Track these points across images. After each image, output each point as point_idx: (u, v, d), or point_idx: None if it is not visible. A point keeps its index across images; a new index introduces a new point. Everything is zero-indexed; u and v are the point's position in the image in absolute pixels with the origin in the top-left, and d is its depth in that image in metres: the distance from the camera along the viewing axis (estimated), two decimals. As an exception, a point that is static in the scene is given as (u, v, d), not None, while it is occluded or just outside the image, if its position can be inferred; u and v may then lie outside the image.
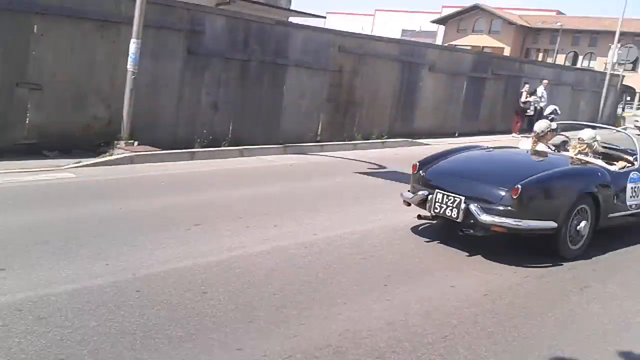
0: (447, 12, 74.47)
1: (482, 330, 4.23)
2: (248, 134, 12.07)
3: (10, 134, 9.10)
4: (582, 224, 5.97)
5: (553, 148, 7.44)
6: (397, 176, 9.77)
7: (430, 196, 6.03)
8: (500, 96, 19.44)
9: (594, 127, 7.93)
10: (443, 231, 6.61)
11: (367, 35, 16.59)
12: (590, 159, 6.80)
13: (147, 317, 3.99)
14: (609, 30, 49.55)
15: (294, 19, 27.02)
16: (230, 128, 11.86)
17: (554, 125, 7.50)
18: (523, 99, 18.96)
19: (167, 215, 6.47)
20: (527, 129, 18.94)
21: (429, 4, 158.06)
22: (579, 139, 7.03)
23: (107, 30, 9.95)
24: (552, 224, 5.65)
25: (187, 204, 7.09)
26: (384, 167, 10.78)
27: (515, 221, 5.52)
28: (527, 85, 19.37)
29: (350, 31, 15.82)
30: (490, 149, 7.71)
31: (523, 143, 7.71)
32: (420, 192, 6.22)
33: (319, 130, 13.65)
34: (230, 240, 5.76)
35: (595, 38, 63.57)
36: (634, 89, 57.78)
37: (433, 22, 73.89)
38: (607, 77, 25.21)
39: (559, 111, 21.08)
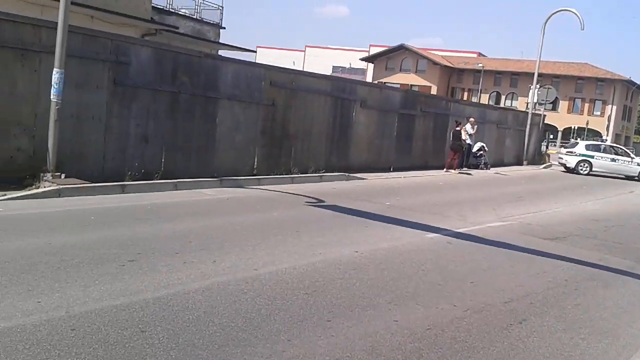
0: (374, 50, 77.09)
1: (427, 365, 4.25)
2: (181, 167, 11.84)
3: None
4: None
5: None
6: (336, 210, 9.83)
7: None
8: (430, 132, 20.12)
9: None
10: (384, 266, 6.67)
11: (298, 71, 16.86)
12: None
13: (83, 357, 3.78)
14: (528, 72, 52.90)
15: (223, 52, 27.11)
16: (163, 161, 11.59)
17: None
18: (464, 136, 19.76)
19: (100, 251, 6.18)
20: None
21: (357, 42, 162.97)
22: None
23: (27, 60, 9.59)
24: None
25: (120, 239, 6.80)
26: (323, 201, 10.82)
27: None
28: (468, 124, 20.27)
29: (281, 66, 15.95)
30: None
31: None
32: None
33: (255, 163, 13.58)
34: (167, 277, 5.55)
35: (515, 79, 67.56)
36: (556, 127, 61.63)
37: (362, 59, 76.23)
38: (529, 116, 26.69)
39: (486, 148, 22.13)
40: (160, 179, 10.89)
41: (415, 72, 70.34)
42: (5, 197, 8.21)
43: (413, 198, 12.77)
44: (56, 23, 9.49)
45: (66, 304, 4.61)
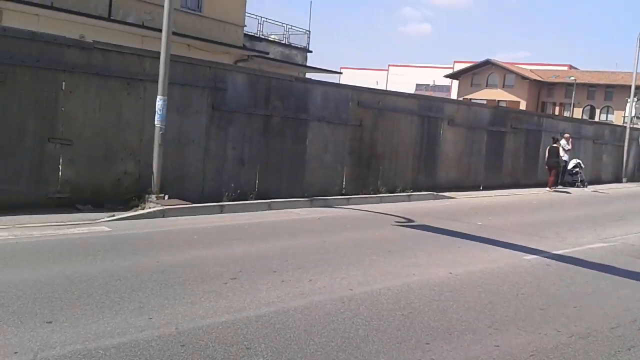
0: (459, 66, 75.80)
1: (533, 391, 4.12)
2: (273, 187, 12.22)
3: (44, 187, 9.29)
4: None
5: None
6: (427, 230, 9.75)
7: None
8: (521, 150, 19.51)
9: None
10: (481, 288, 6.54)
11: (385, 91, 16.97)
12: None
13: (195, 373, 3.96)
14: (624, 85, 50.05)
15: (310, 75, 27.77)
16: (257, 181, 12.01)
17: None
18: (562, 153, 19.11)
19: (203, 269, 6.49)
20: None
21: (441, 59, 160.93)
22: None
23: (133, 88, 10.26)
24: None
25: (222, 257, 7.11)
26: (413, 221, 10.77)
27: None
28: (562, 140, 19.58)
29: (368, 87, 16.14)
30: None
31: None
32: None
33: (344, 183, 13.75)
34: (267, 295, 5.74)
35: (610, 92, 64.14)
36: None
37: (447, 76, 75.14)
38: (628, 130, 25.27)
39: (582, 164, 21.12)
40: (255, 199, 11.29)
41: (503, 87, 68.47)
42: (114, 217, 8.81)
43: (506, 218, 12.41)
44: (158, 53, 10.16)
45: (175, 321, 4.86)
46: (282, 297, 5.72)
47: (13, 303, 4.98)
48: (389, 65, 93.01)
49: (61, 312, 4.84)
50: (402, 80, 78.76)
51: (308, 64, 29.59)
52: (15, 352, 4.03)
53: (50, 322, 4.59)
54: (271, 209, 11.08)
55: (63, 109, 9.44)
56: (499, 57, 73.95)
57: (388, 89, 46.45)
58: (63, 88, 9.41)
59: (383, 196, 13.76)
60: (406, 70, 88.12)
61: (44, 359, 3.97)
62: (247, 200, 11.17)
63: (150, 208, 9.38)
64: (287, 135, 12.68)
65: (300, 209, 11.38)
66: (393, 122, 15.03)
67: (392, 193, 14.20)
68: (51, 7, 16.41)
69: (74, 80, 9.52)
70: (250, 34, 25.63)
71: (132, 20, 18.72)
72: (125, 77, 10.13)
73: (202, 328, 4.76)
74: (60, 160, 9.44)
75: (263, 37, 27.23)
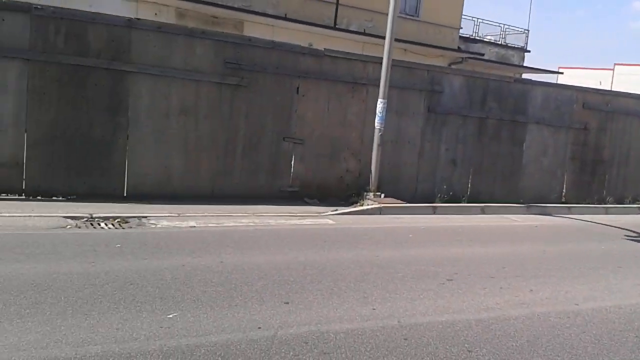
0: None
1: None
2: (486, 191, 12.00)
3: (278, 181, 10.36)
4: None
5: None
6: (663, 247, 8.78)
7: None
8: None
9: None
10: None
11: (614, 92, 15.43)
12: None
13: (415, 367, 4.15)
14: None
15: (527, 76, 26.40)
16: (469, 184, 11.91)
17: None
18: None
19: (420, 267, 6.68)
20: None
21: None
22: None
23: (357, 91, 10.89)
24: None
25: (437, 258, 7.24)
26: (645, 236, 9.75)
27: None
28: None
29: (594, 87, 14.89)
30: None
31: None
32: None
33: (564, 190, 12.96)
34: (485, 300, 5.72)
35: None
36: None
37: (690, 74, 65.33)
38: None
39: None
40: (467, 202, 11.23)
41: None
42: (337, 212, 9.49)
43: None
44: (380, 58, 10.64)
45: (397, 314, 5.09)
46: (501, 304, 5.65)
47: (256, 282, 5.66)
48: (615, 64, 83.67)
49: (296, 294, 5.37)
50: (630, 80, 70.49)
51: (525, 64, 28.20)
52: (259, 327, 4.55)
53: (287, 303, 5.14)
54: (484, 213, 10.91)
55: (296, 111, 10.42)
56: None
57: (614, 89, 42.03)
58: (297, 92, 10.39)
59: (609, 207, 12.64)
60: (635, 70, 78.64)
61: (283, 336, 4.41)
62: (459, 202, 11.15)
63: (368, 205, 9.91)
64: (503, 137, 12.35)
65: (515, 215, 11.02)
66: (624, 126, 13.73)
67: (620, 204, 12.96)
68: (285, 18, 18.08)
69: (307, 85, 10.44)
70: (465, 35, 25.32)
71: (354, 28, 19.77)
72: (350, 81, 10.83)
73: (423, 325, 4.93)
74: (293, 158, 10.45)
75: (478, 38, 26.71)
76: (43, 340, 3.94)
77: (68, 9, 9.14)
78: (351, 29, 19.75)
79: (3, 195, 8.71)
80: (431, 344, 4.58)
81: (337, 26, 19.50)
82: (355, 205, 10.01)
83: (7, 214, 7.67)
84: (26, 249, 6.11)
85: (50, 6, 8.92)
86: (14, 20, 8.49)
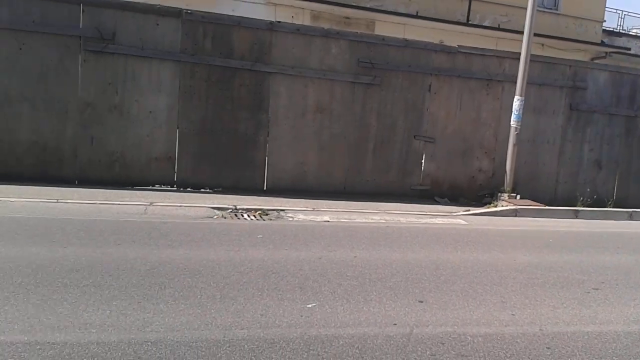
0: None
1: None
2: (635, 195, 11.10)
3: (409, 179, 10.34)
4: None
5: None
6: None
7: None
8: None
9: None
10: None
11: None
12: None
13: (566, 378, 3.96)
14: None
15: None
16: (615, 187, 11.09)
17: None
18: None
19: (562, 274, 6.35)
20: None
21: None
22: None
23: (491, 88, 10.54)
24: None
25: (583, 265, 6.84)
26: None
27: None
28: None
29: None
30: None
31: None
32: None
33: None
34: (636, 311, 5.32)
35: None
36: None
37: None
38: None
39: None
40: (612, 207, 10.47)
41: None
42: (469, 212, 9.27)
43: None
44: (518, 54, 10.23)
45: (539, 322, 4.88)
46: None
47: (389, 279, 5.70)
48: None
49: (430, 293, 5.34)
50: None
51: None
52: (395, 324, 4.57)
53: (422, 302, 5.12)
54: (632, 219, 10.09)
55: (428, 109, 10.33)
56: None
57: None
58: (429, 90, 10.29)
59: None
60: None
61: (419, 335, 4.40)
62: (603, 207, 10.41)
63: (502, 206, 9.58)
64: (657, 138, 11.34)
65: (668, 223, 10.07)
66: None
67: None
68: (416, 16, 17.92)
69: (439, 83, 10.31)
70: (609, 29, 23.51)
71: (487, 23, 19.12)
72: (484, 78, 10.52)
73: (567, 334, 4.70)
74: (423, 156, 10.38)
75: (623, 31, 24.67)
76: (194, 322, 4.28)
77: (215, 13, 9.78)
78: (485, 24, 19.12)
79: (157, 187, 9.54)
80: (576, 354, 4.35)
81: (469, 22, 18.98)
82: (488, 206, 9.72)
83: (161, 204, 8.40)
84: (178, 236, 6.66)
85: (199, 11, 9.60)
86: (167, 25, 9.24)
